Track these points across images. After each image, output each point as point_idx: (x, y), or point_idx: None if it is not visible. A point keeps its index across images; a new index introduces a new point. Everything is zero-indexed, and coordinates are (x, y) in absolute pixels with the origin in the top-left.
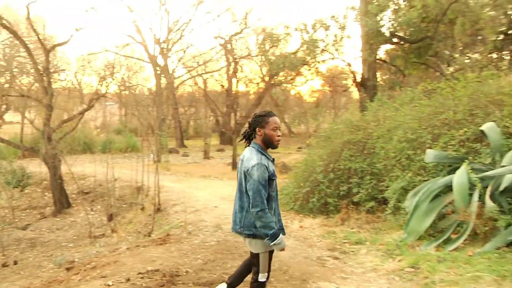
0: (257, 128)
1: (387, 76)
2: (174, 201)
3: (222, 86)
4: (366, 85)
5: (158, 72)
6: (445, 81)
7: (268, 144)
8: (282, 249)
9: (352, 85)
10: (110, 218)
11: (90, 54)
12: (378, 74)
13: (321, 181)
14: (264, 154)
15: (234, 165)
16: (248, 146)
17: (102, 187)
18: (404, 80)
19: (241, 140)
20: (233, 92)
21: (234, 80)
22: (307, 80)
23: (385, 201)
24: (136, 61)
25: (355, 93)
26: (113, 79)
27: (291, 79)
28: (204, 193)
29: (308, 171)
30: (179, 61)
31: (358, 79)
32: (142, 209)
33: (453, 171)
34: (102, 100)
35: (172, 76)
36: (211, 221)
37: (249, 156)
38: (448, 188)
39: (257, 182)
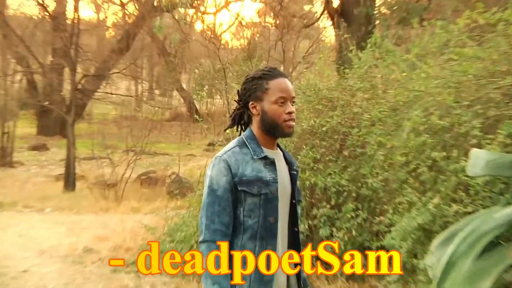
0: (249, 102)
1: None
2: None
3: (44, 7)
4: (349, 16)
5: None
6: None
7: (271, 128)
8: None
9: (322, 14)
10: None
11: None
12: None
13: None
14: (246, 145)
15: (68, 178)
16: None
17: None
18: (432, 6)
19: (229, 127)
20: (69, 22)
21: None
22: (229, 2)
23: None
24: None
25: (328, 31)
26: None
27: None
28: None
29: None
30: None
31: (335, 4)
32: None
33: None
34: None
35: None
36: None
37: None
38: None
39: (206, 190)
